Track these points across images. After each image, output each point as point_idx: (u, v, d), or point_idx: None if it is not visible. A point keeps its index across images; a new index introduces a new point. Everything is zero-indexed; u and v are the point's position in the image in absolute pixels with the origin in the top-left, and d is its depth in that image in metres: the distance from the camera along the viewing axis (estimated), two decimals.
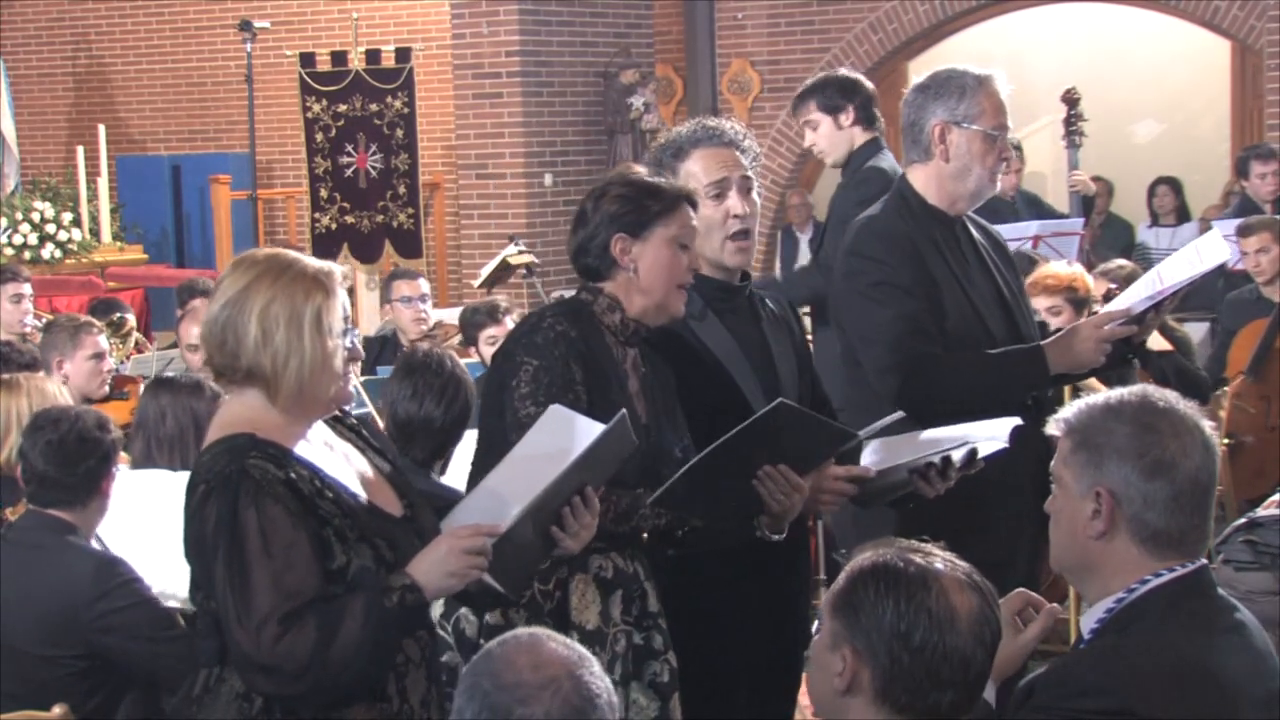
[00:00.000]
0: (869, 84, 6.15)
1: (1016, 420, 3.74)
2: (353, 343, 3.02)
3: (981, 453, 3.67)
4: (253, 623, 2.80)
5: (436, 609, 3.44)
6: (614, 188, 3.54)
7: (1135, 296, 4.09)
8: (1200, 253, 4.04)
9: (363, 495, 2.99)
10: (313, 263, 3.00)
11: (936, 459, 3.64)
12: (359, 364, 6.48)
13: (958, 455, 3.65)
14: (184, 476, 4.37)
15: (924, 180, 4.13)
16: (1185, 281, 4.04)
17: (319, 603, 2.84)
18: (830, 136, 5.99)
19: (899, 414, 3.62)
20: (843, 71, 6.25)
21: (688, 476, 3.33)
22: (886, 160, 5.92)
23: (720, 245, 3.78)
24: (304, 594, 2.83)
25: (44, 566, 3.91)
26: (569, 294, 3.75)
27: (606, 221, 3.51)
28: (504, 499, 3.03)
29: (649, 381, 3.59)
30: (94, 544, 4.09)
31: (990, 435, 3.69)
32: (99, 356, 6.29)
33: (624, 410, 3.12)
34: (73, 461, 3.97)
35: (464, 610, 3.44)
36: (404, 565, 2.93)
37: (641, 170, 3.62)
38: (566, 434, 3.07)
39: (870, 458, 3.75)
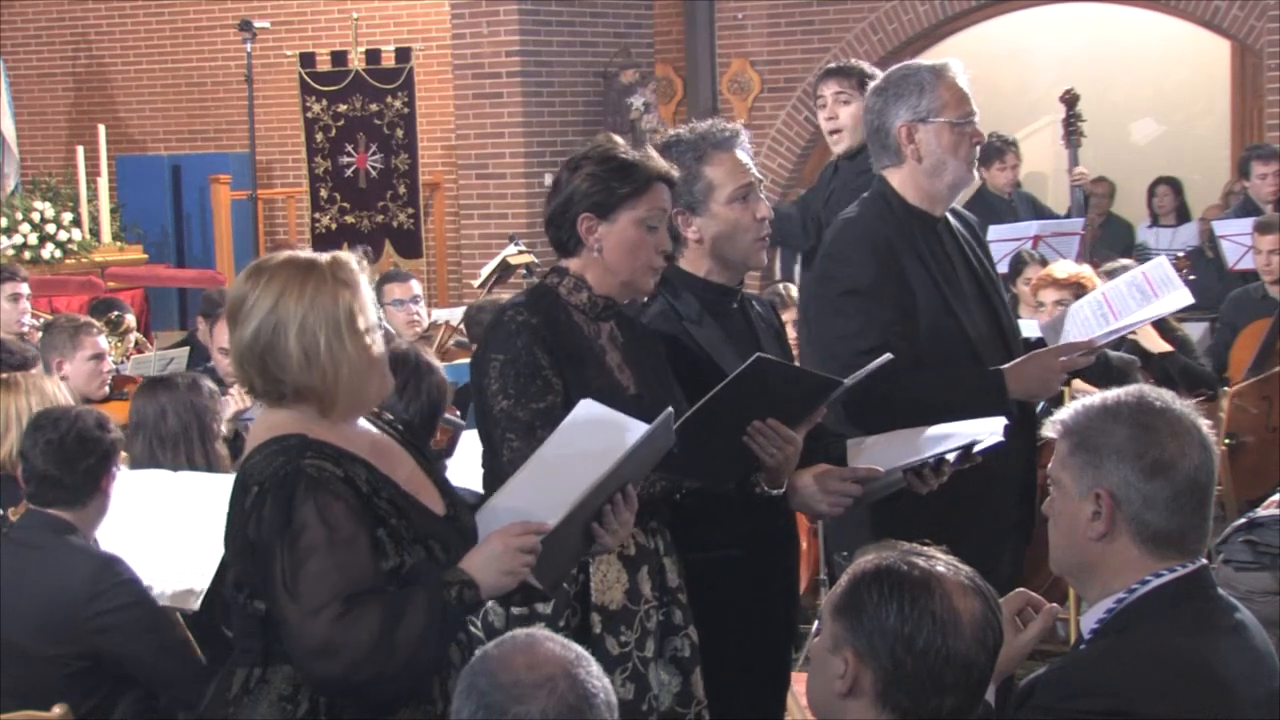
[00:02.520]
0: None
1: (1004, 420, 3.73)
2: (384, 326, 2.99)
3: (979, 448, 3.66)
4: (312, 606, 2.76)
5: None
6: (588, 163, 3.52)
7: (1087, 325, 4.09)
8: (1151, 283, 4.05)
9: (411, 494, 2.96)
10: (327, 260, 2.93)
11: (931, 459, 3.65)
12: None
13: (953, 455, 3.66)
14: (184, 477, 4.43)
15: (900, 182, 4.10)
16: (1145, 320, 4.04)
17: (380, 592, 2.81)
18: (858, 118, 5.90)
19: (887, 356, 3.60)
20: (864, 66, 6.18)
21: (677, 437, 3.29)
22: None
23: (750, 246, 3.78)
24: (366, 583, 2.80)
25: (42, 566, 3.92)
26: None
27: (576, 199, 3.50)
28: (541, 496, 3.01)
29: (632, 351, 3.58)
30: (93, 544, 4.09)
31: (986, 431, 3.68)
32: (99, 357, 6.29)
33: (670, 410, 3.12)
34: (73, 461, 3.98)
35: (491, 603, 3.42)
36: (455, 565, 2.91)
37: (620, 145, 3.57)
38: (603, 430, 3.07)
39: (856, 454, 3.74)
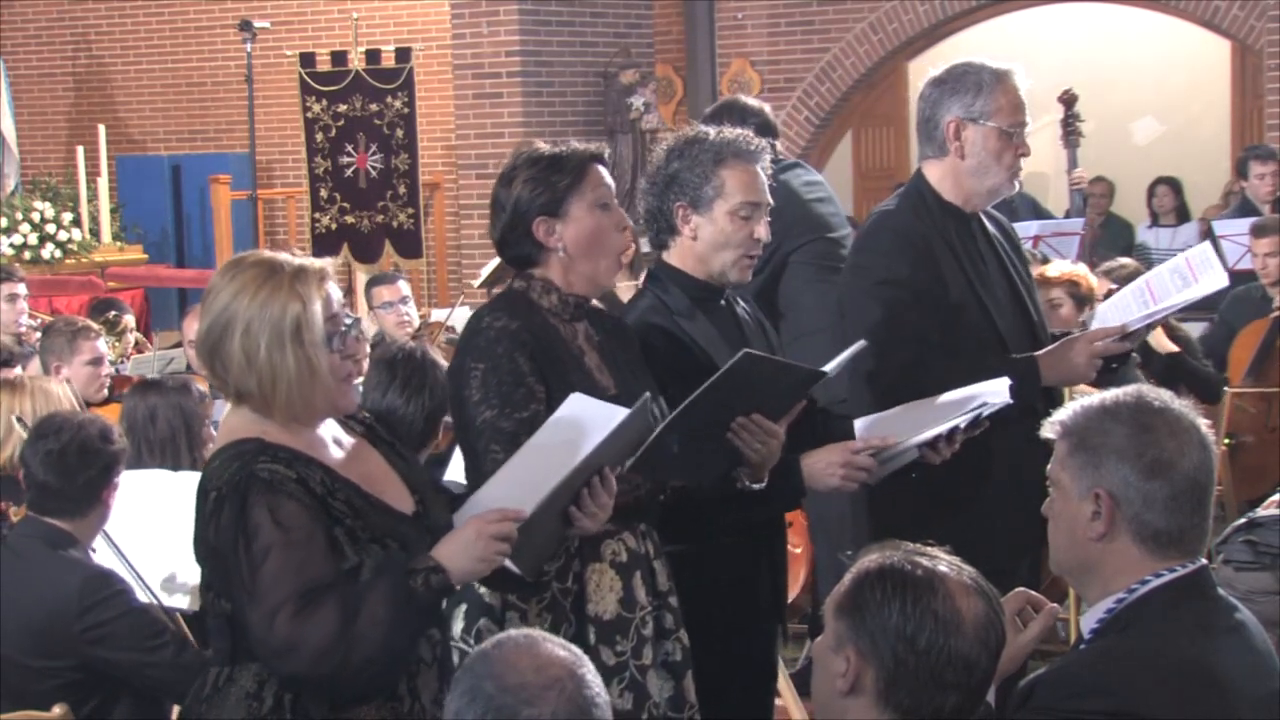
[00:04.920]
0: (762, 109, 6.05)
1: (1007, 380, 3.73)
2: (345, 342, 2.97)
3: (986, 412, 3.66)
4: (271, 607, 2.79)
5: (459, 625, 3.44)
6: (520, 171, 3.48)
7: (1127, 311, 4.08)
8: (1193, 268, 4.02)
9: (373, 493, 2.98)
10: (292, 268, 2.95)
11: (945, 430, 3.65)
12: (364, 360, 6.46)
13: (963, 422, 3.66)
14: (185, 476, 4.43)
15: (939, 176, 4.10)
16: (1182, 304, 4.01)
17: (340, 586, 2.83)
18: None
19: (861, 343, 3.61)
20: (740, 99, 6.15)
21: (661, 439, 3.31)
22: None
23: (735, 261, 3.76)
24: (323, 580, 2.82)
25: (35, 577, 3.89)
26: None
27: (524, 208, 3.46)
28: (525, 485, 3.02)
29: (609, 350, 3.55)
30: (93, 548, 4.07)
31: (992, 392, 3.68)
32: (96, 362, 6.27)
33: (647, 395, 3.11)
34: (73, 472, 3.95)
35: (484, 621, 3.42)
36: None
37: (541, 146, 3.54)
38: (586, 420, 3.07)
39: (866, 433, 3.74)
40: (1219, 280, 4.06)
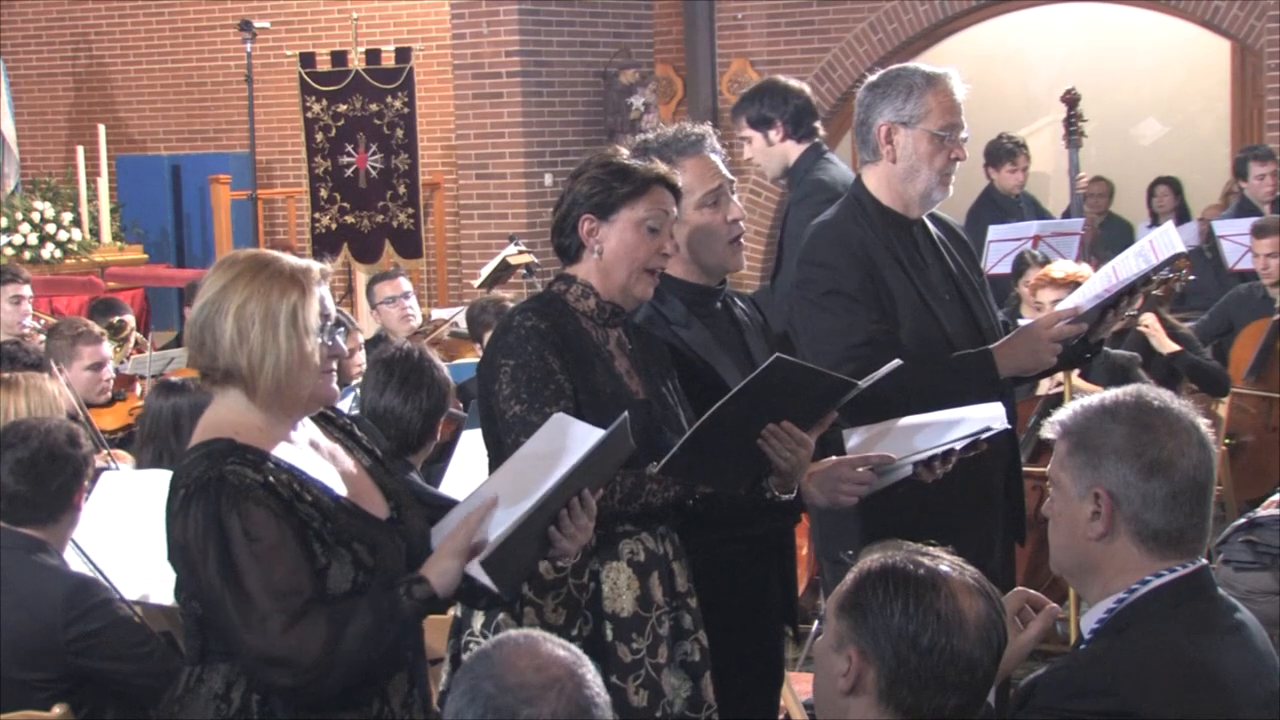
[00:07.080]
0: (803, 90, 6.01)
1: (1001, 406, 3.73)
2: (334, 340, 3.00)
3: (986, 436, 3.66)
4: (256, 619, 2.80)
5: (478, 621, 3.47)
6: (590, 169, 3.55)
7: (1087, 293, 4.06)
8: (1155, 248, 4.00)
9: (345, 496, 2.99)
10: (291, 261, 3.00)
11: (941, 451, 3.65)
12: (357, 358, 6.49)
13: (960, 444, 3.66)
14: None
15: (876, 182, 4.10)
16: (1136, 276, 3.98)
17: (322, 599, 2.84)
18: (763, 153, 5.91)
19: (896, 362, 3.58)
20: (780, 79, 6.10)
21: (691, 443, 3.33)
22: (828, 171, 5.77)
23: (725, 249, 3.79)
24: (301, 590, 2.83)
25: (15, 589, 3.84)
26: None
27: (579, 201, 3.52)
28: (504, 501, 3.03)
29: (640, 358, 3.58)
30: (74, 551, 4.03)
31: (988, 418, 3.68)
32: (98, 365, 6.26)
33: (625, 414, 3.11)
34: (44, 479, 3.91)
35: (503, 616, 3.43)
36: (384, 569, 2.94)
37: (624, 152, 3.61)
38: (566, 440, 3.08)
39: (859, 446, 3.73)
40: (1173, 247, 4.03)
